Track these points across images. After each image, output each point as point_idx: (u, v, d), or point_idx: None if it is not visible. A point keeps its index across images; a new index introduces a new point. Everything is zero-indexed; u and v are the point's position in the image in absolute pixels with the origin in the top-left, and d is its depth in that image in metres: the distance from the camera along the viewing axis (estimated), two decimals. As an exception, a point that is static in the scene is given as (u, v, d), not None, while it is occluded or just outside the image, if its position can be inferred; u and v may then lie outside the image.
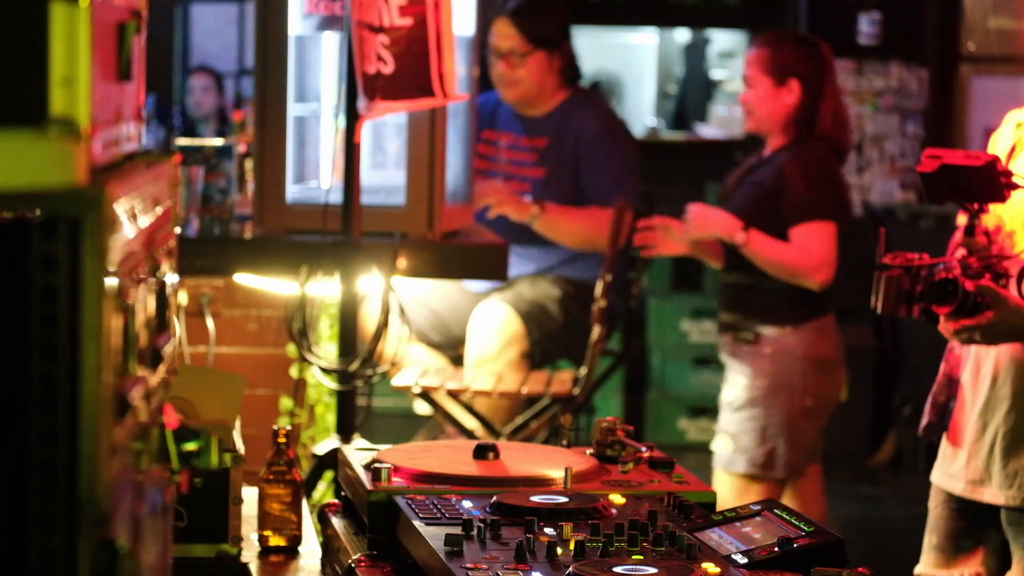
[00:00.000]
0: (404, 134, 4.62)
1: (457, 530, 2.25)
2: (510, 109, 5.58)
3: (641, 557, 2.17)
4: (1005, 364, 3.26)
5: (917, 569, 3.43)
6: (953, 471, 3.35)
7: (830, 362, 4.82)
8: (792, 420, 4.76)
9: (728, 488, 4.82)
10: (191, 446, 2.01)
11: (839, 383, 4.86)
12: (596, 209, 5.34)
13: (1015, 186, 3.12)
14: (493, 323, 5.31)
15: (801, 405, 4.76)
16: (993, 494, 3.27)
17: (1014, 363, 3.25)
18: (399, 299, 4.32)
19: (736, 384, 4.82)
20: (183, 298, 4.93)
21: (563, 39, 5.51)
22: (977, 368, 3.32)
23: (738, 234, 4.73)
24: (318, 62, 4.72)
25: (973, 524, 3.35)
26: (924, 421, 3.43)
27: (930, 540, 3.40)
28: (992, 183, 3.11)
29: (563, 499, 2.42)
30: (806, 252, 4.72)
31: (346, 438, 4.30)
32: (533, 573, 2.11)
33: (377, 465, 2.57)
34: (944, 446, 3.40)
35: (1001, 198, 3.13)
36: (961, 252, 3.18)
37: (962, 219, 3.22)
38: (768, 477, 4.80)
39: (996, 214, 3.20)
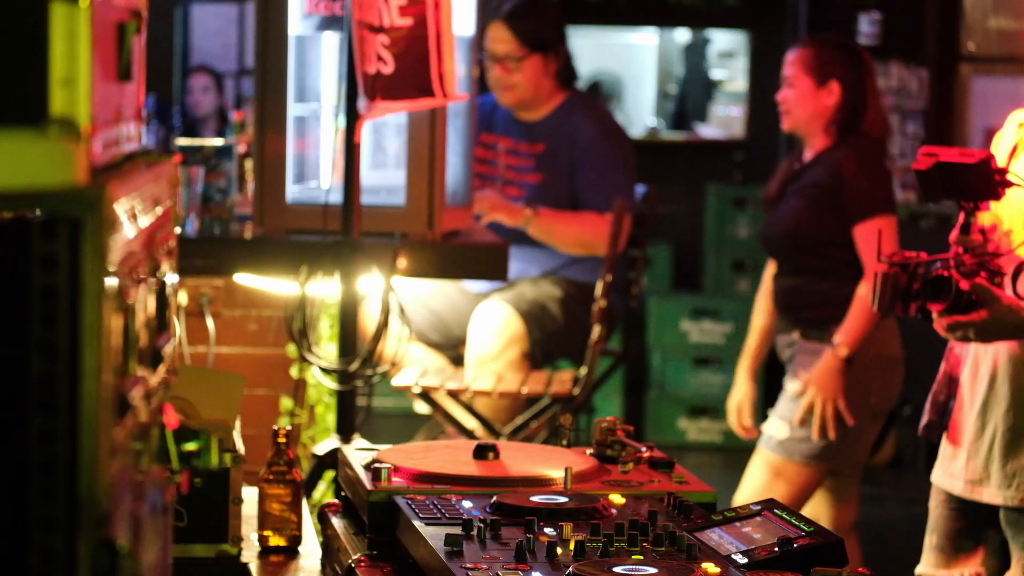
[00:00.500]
0: (404, 134, 4.62)
1: (457, 530, 2.25)
2: (507, 112, 5.58)
3: (641, 557, 2.18)
4: (1003, 363, 3.27)
5: (918, 569, 3.43)
6: (953, 471, 3.36)
7: (895, 361, 4.82)
8: (855, 416, 4.76)
9: (766, 468, 4.83)
10: (191, 446, 2.01)
11: (900, 381, 4.86)
12: (590, 214, 5.34)
13: (1009, 183, 3.13)
14: (494, 323, 5.32)
15: (866, 403, 4.77)
16: (992, 494, 3.28)
17: (1012, 362, 3.26)
18: (399, 299, 4.32)
19: (803, 378, 4.81)
20: (183, 298, 4.93)
21: (558, 42, 5.49)
22: (976, 367, 3.33)
23: (840, 348, 4.72)
24: (318, 62, 4.72)
25: (973, 524, 3.35)
26: (924, 420, 3.43)
27: (930, 540, 3.41)
28: (986, 180, 3.12)
29: (563, 499, 2.42)
30: (865, 258, 4.70)
31: (346, 438, 4.30)
32: (533, 573, 2.11)
33: (377, 465, 2.57)
34: (944, 446, 3.41)
35: (995, 195, 3.14)
36: (956, 249, 3.19)
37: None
38: (812, 467, 4.80)
39: (994, 212, 3.21)
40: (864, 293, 4.68)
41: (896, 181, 8.14)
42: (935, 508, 3.41)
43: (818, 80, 4.81)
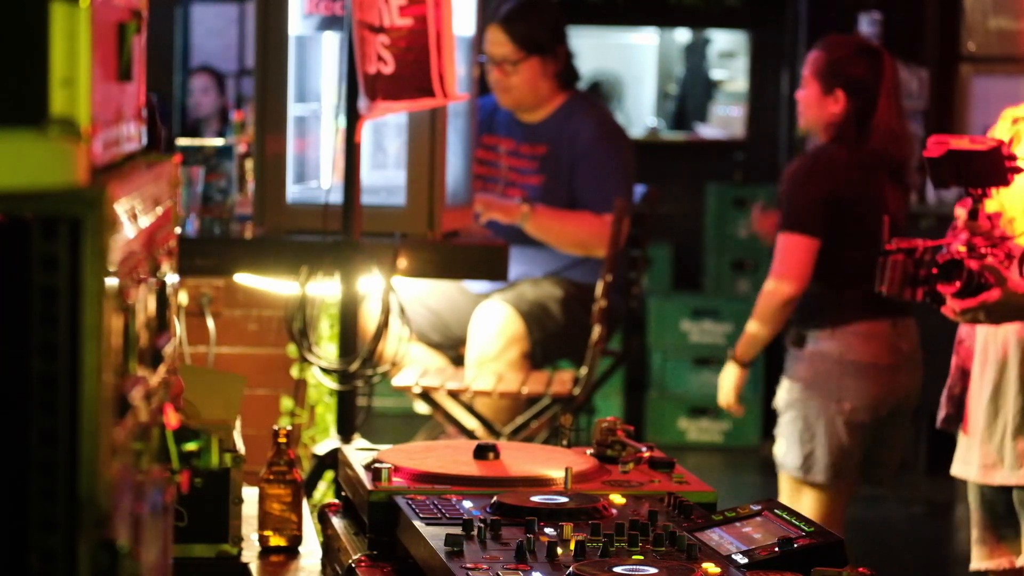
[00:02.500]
0: (404, 134, 4.62)
1: (457, 530, 2.25)
2: (508, 113, 5.58)
3: (641, 557, 2.18)
4: (1012, 348, 3.33)
5: (971, 567, 3.49)
6: (968, 458, 3.43)
7: (874, 367, 4.73)
8: (829, 423, 4.73)
9: (784, 490, 4.84)
10: (191, 446, 2.01)
11: (889, 388, 4.76)
12: (587, 214, 5.34)
13: (1019, 170, 3.20)
14: (494, 323, 5.32)
15: (838, 408, 4.73)
16: (1004, 476, 3.34)
17: (1021, 347, 3.31)
18: (399, 299, 4.32)
19: (782, 386, 4.84)
20: (183, 298, 4.93)
21: (557, 43, 5.49)
22: (985, 356, 3.39)
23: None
24: (318, 62, 4.72)
25: (1009, 512, 3.40)
26: (941, 414, 3.49)
27: (974, 535, 3.50)
28: (996, 167, 3.20)
29: (563, 499, 2.42)
30: (778, 263, 4.74)
31: (346, 438, 4.30)
32: (533, 573, 2.11)
33: (377, 465, 2.57)
34: (959, 436, 3.47)
35: (1005, 182, 3.22)
36: (965, 235, 3.25)
37: (961, 211, 3.29)
38: (808, 481, 4.76)
39: (998, 201, 3.27)
40: (768, 289, 4.75)
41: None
42: (972, 503, 3.48)
43: (824, 87, 4.77)
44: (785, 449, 4.80)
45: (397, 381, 5.04)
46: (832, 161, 4.75)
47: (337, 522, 2.74)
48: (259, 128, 4.57)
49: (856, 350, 4.72)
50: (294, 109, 4.58)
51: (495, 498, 2.42)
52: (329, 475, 4.34)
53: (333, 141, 4.66)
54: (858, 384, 4.74)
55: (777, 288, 4.72)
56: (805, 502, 4.78)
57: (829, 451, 4.75)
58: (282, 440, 2.96)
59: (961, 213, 3.29)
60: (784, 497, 4.81)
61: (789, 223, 4.74)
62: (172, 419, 1.99)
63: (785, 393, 4.80)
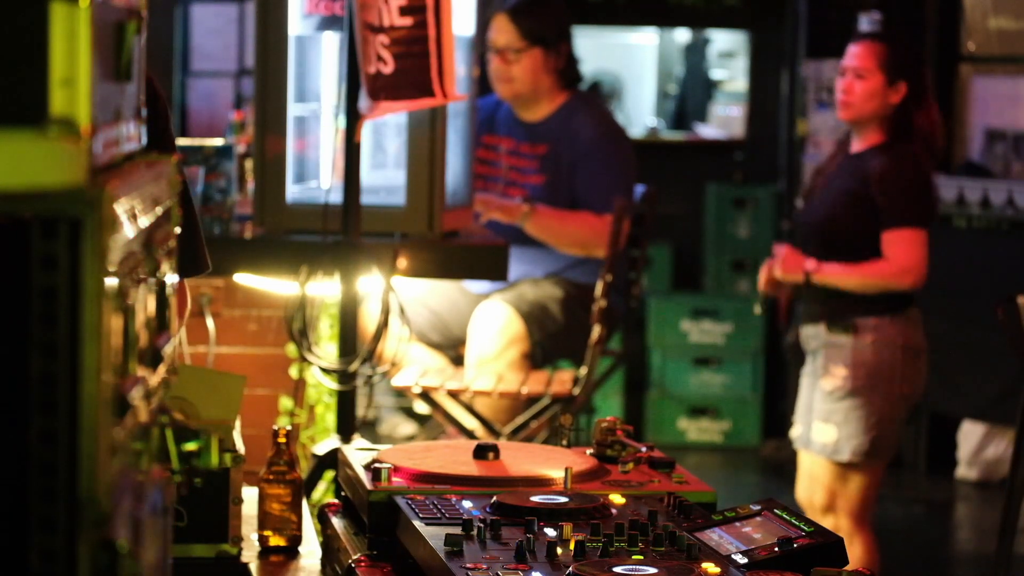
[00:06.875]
0: (404, 134, 4.63)
1: (457, 530, 2.25)
2: (509, 113, 5.58)
3: (641, 557, 2.18)
4: None
5: None
6: None
7: (920, 350, 4.90)
8: (892, 407, 4.83)
9: (830, 476, 4.89)
10: (191, 446, 2.01)
11: (925, 371, 4.94)
12: (588, 214, 5.34)
13: None
14: (495, 323, 5.32)
15: (900, 392, 4.84)
16: None
17: None
18: (399, 299, 4.32)
19: (836, 374, 4.87)
20: (183, 298, 4.92)
21: (561, 40, 5.50)
22: None
23: (810, 265, 4.86)
24: (318, 62, 4.72)
25: None
26: None
27: None
28: None
29: (563, 499, 2.43)
30: (890, 260, 4.79)
31: (346, 438, 4.31)
32: (533, 573, 2.11)
33: (377, 465, 2.57)
34: None
35: None
36: None
37: None
38: (871, 463, 4.86)
39: None
40: (887, 274, 4.77)
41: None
42: None
43: (890, 78, 4.86)
44: (840, 436, 4.84)
45: (397, 381, 5.04)
46: (916, 157, 4.87)
47: (337, 522, 2.74)
48: (259, 128, 4.57)
49: (911, 336, 4.85)
50: (294, 109, 4.59)
51: (495, 498, 2.42)
52: (329, 475, 4.34)
53: (333, 141, 4.67)
54: (915, 369, 4.87)
55: (899, 280, 4.80)
56: (853, 485, 4.88)
57: (892, 433, 4.87)
58: (282, 440, 2.96)
59: None
60: (821, 483, 4.89)
61: (901, 219, 4.81)
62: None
63: (846, 380, 4.85)
